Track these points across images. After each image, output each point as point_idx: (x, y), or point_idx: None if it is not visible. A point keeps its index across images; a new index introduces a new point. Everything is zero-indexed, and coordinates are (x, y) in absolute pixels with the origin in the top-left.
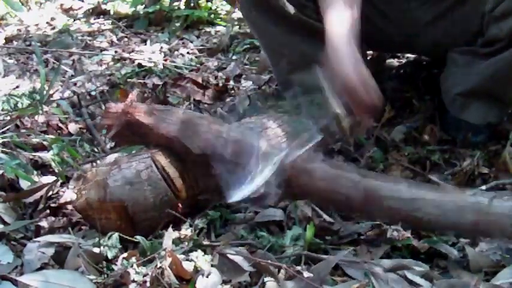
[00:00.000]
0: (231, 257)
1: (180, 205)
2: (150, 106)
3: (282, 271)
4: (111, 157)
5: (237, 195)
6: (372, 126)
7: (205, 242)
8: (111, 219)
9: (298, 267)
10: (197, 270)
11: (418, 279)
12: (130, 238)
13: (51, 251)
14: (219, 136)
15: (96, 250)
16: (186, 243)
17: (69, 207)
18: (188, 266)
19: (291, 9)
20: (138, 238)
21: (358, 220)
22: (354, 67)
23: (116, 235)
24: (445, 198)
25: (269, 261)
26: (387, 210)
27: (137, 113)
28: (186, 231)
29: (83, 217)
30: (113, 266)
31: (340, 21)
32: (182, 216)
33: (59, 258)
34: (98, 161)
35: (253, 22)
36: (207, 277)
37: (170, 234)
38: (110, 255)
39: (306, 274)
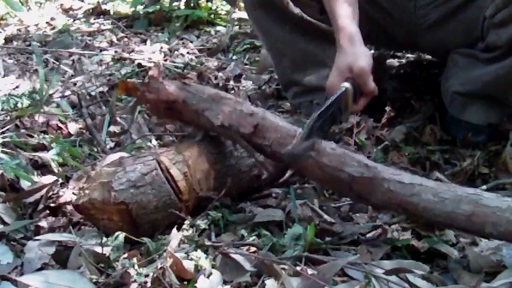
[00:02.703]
0: (233, 256)
1: (182, 207)
2: (184, 82)
3: (283, 271)
4: (112, 157)
5: None
6: (372, 126)
7: (207, 243)
8: (113, 220)
9: (299, 267)
10: (198, 271)
11: (419, 282)
12: (134, 238)
13: (51, 249)
14: (241, 111)
15: (98, 250)
16: (188, 243)
17: (69, 207)
18: (189, 266)
19: (295, 8)
20: (145, 239)
21: (358, 220)
22: (365, 56)
23: (122, 235)
24: (443, 187)
25: (272, 259)
26: (386, 193)
27: (172, 89)
28: (187, 231)
29: (85, 216)
30: (114, 266)
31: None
32: (184, 217)
33: (59, 257)
34: (98, 161)
35: (256, 20)
36: (208, 277)
37: (176, 235)
38: (113, 256)
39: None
